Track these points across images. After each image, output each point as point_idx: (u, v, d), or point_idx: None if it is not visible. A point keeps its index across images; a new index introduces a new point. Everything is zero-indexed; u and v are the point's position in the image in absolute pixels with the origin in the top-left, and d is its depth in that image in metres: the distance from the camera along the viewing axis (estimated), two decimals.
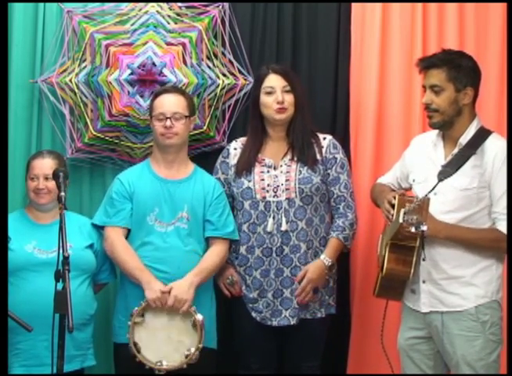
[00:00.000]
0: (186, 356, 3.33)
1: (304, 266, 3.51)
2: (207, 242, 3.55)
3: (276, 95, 3.51)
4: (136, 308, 3.35)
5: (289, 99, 3.53)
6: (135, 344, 3.32)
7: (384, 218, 3.36)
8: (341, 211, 3.59)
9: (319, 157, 3.56)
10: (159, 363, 3.32)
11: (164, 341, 3.36)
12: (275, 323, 3.53)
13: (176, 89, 3.60)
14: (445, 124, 3.19)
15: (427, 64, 3.20)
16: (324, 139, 3.61)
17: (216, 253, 3.51)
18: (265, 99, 3.54)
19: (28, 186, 3.48)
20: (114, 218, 3.49)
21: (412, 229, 2.97)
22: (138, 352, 3.32)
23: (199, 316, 3.35)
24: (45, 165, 3.45)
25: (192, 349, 3.33)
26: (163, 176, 3.54)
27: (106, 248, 3.50)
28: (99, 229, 3.55)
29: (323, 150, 3.58)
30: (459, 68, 3.14)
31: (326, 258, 3.53)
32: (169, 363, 3.33)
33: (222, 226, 3.52)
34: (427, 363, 3.26)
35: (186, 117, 3.51)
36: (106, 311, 3.79)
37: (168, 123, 3.46)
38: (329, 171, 3.57)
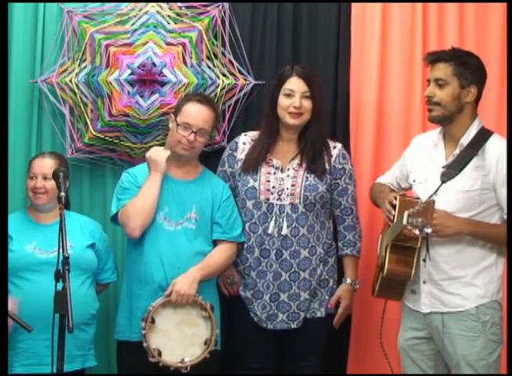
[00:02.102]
0: (207, 346, 3.33)
1: (304, 272, 3.52)
2: (215, 244, 3.53)
3: (295, 99, 3.48)
4: (146, 314, 3.32)
5: (307, 105, 3.49)
6: (156, 350, 3.31)
7: (383, 218, 3.36)
8: (350, 223, 3.60)
9: (327, 166, 3.55)
10: (182, 362, 3.31)
11: (179, 338, 3.35)
12: (270, 327, 3.53)
13: (210, 102, 3.53)
14: (445, 119, 3.18)
15: (434, 58, 3.21)
16: (334, 147, 3.59)
17: (222, 252, 3.50)
18: (283, 100, 3.51)
19: (27, 186, 3.48)
20: (127, 201, 3.43)
21: (417, 232, 2.97)
22: (159, 356, 3.31)
23: (207, 304, 3.35)
24: (45, 165, 3.46)
25: (209, 336, 3.34)
26: (172, 176, 3.51)
27: (124, 224, 3.40)
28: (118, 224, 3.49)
29: (332, 160, 3.56)
30: (467, 65, 3.15)
31: (353, 282, 3.61)
32: (192, 358, 3.33)
33: (230, 229, 3.51)
34: (427, 363, 3.26)
35: (209, 135, 3.51)
36: (107, 311, 3.79)
37: (192, 137, 3.43)
38: (338, 181, 3.56)
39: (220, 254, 3.49)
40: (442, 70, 3.16)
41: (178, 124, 3.45)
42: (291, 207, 3.51)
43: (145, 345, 3.30)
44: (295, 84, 3.51)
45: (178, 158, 3.51)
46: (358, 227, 3.62)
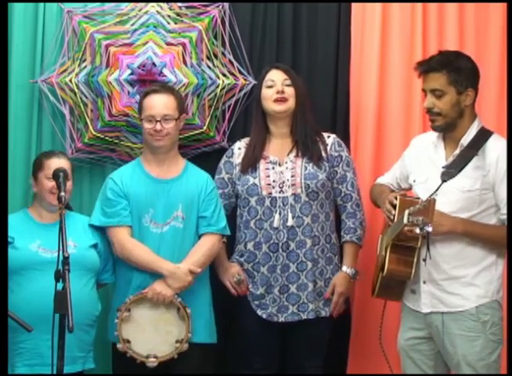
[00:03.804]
0: (176, 347, 3.34)
1: (310, 262, 3.52)
2: (200, 238, 3.53)
3: (277, 87, 3.55)
4: (122, 304, 3.37)
5: (289, 91, 3.56)
6: (126, 340, 3.34)
7: (383, 218, 3.36)
8: (350, 210, 3.61)
9: (323, 154, 3.59)
10: (149, 356, 3.33)
11: (152, 333, 3.38)
12: (281, 319, 3.53)
13: (166, 88, 3.54)
14: (448, 127, 3.18)
15: (426, 68, 3.18)
16: (328, 137, 3.64)
17: (203, 244, 3.48)
18: (265, 91, 3.58)
19: (44, 186, 3.42)
20: (116, 218, 3.47)
21: (417, 230, 2.97)
22: (128, 347, 3.34)
23: (187, 309, 3.36)
24: (62, 165, 3.42)
25: (181, 339, 3.34)
26: (155, 176, 3.52)
27: (115, 251, 3.50)
28: (98, 229, 3.54)
29: (328, 148, 3.60)
30: (459, 71, 3.13)
31: (348, 269, 3.59)
32: (159, 355, 3.34)
33: (216, 222, 3.51)
34: (427, 363, 3.26)
35: (176, 118, 3.48)
36: (106, 312, 3.77)
37: (158, 126, 3.44)
38: (336, 168, 3.59)
39: (200, 248, 3.47)
40: (436, 80, 3.14)
41: (141, 120, 3.50)
42: (294, 198, 3.53)
43: (116, 333, 3.34)
44: (275, 74, 3.60)
45: (156, 154, 3.52)
46: (358, 215, 3.62)
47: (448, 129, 3.20)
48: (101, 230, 3.54)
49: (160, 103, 3.47)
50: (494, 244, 3.14)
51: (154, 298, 3.36)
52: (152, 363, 3.33)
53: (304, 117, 3.59)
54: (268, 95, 3.57)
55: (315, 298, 3.54)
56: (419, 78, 3.26)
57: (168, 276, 3.38)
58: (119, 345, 3.35)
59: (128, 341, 3.34)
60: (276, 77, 3.58)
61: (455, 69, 3.12)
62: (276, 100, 3.55)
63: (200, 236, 3.52)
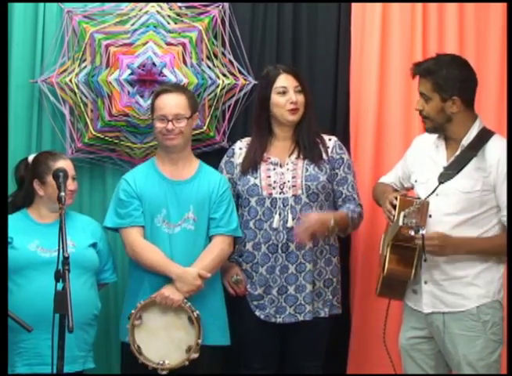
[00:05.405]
0: (187, 353, 3.33)
1: (309, 264, 3.51)
2: (211, 240, 3.52)
3: (290, 95, 3.52)
4: (133, 310, 3.36)
5: (300, 99, 3.54)
6: (138, 347, 3.33)
7: (385, 217, 3.36)
8: (352, 204, 3.57)
9: (325, 156, 3.58)
10: (161, 363, 3.33)
11: (165, 340, 3.37)
12: (279, 320, 3.53)
13: (177, 88, 3.56)
14: (437, 130, 3.20)
15: (416, 72, 3.20)
16: (329, 139, 3.64)
17: (213, 248, 3.47)
18: (277, 99, 3.54)
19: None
20: (128, 219, 3.47)
21: (412, 233, 3.00)
22: (140, 353, 3.33)
23: (195, 313, 3.35)
24: (71, 166, 3.44)
25: (192, 345, 3.33)
26: (168, 176, 3.52)
27: (126, 252, 3.50)
28: (112, 231, 3.56)
29: (329, 150, 3.60)
30: (445, 79, 3.10)
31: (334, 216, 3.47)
32: (171, 362, 3.33)
33: (226, 223, 3.49)
34: (428, 362, 3.26)
35: (188, 117, 3.48)
36: (107, 312, 3.78)
37: (170, 126, 3.43)
38: (336, 170, 3.59)
39: (210, 252, 3.46)
40: (423, 85, 3.16)
41: (153, 120, 3.49)
42: (294, 199, 3.52)
43: (128, 339, 3.33)
44: (286, 80, 3.55)
45: (169, 153, 3.52)
46: (361, 210, 3.58)
47: (437, 131, 3.21)
48: (112, 231, 3.55)
49: (171, 103, 3.46)
50: (496, 254, 3.14)
51: (163, 303, 3.36)
52: (164, 371, 3.33)
53: (309, 121, 3.59)
54: (281, 103, 3.53)
55: (313, 299, 3.54)
56: (412, 79, 3.26)
57: (177, 280, 3.38)
58: (132, 348, 3.33)
59: (140, 348, 3.34)
60: (288, 84, 3.54)
61: (440, 77, 3.11)
62: (290, 110, 3.53)
63: (210, 238, 3.51)
